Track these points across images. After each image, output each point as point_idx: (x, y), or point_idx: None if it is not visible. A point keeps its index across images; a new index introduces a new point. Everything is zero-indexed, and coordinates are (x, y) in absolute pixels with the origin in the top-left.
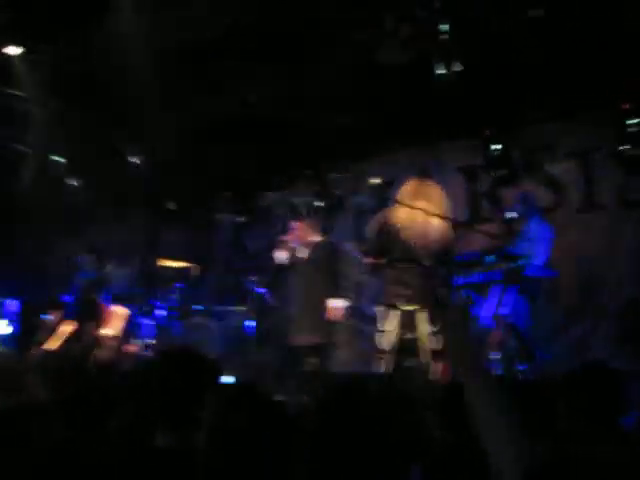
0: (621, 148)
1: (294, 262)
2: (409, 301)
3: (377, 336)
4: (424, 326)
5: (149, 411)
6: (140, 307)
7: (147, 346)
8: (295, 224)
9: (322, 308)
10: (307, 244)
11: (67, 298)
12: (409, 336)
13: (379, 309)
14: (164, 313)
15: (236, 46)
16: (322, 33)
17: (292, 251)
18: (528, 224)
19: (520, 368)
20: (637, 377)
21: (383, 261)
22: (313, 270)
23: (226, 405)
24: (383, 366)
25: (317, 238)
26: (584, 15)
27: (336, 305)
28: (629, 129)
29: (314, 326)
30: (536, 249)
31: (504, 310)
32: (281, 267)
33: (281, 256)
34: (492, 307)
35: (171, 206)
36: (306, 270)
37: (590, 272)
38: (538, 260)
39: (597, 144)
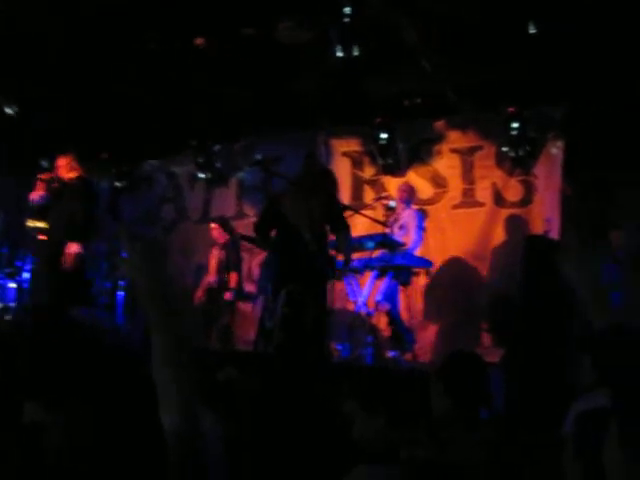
0: (503, 149)
1: None
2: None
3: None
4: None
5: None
6: (4, 269)
7: (7, 310)
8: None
9: None
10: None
11: None
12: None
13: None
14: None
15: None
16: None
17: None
18: (400, 213)
19: (391, 354)
20: (497, 369)
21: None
22: None
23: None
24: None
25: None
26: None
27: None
28: (512, 132)
29: None
30: (415, 237)
31: (379, 296)
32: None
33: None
34: (368, 292)
35: (44, 163)
36: None
37: (463, 266)
38: (411, 248)
39: (480, 143)
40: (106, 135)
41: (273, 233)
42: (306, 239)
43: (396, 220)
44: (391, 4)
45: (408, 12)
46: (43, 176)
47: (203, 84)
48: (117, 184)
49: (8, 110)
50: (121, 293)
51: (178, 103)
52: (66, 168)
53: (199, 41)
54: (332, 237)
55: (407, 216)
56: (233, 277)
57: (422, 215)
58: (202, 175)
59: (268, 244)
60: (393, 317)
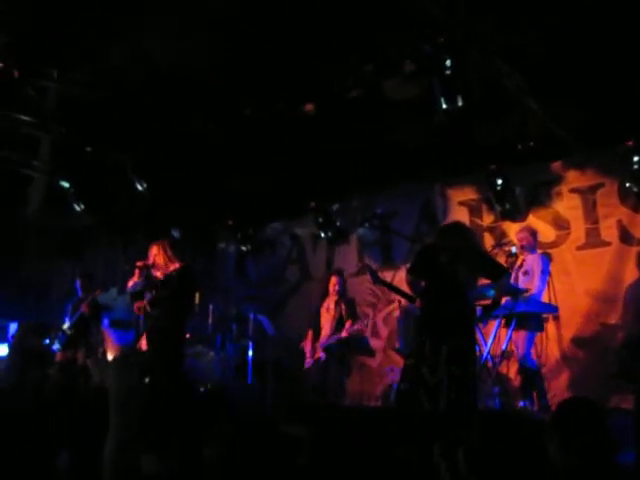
0: (627, 184)
1: None
2: None
3: None
4: None
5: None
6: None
7: None
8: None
9: None
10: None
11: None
12: None
13: None
14: None
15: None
16: (334, 66)
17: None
18: (525, 259)
19: (521, 404)
20: (629, 415)
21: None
22: None
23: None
24: None
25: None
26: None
27: None
28: (633, 166)
29: None
30: (538, 283)
31: (504, 344)
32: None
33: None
34: (492, 341)
35: (175, 233)
36: None
37: (594, 309)
38: (535, 294)
39: (601, 181)
40: (230, 201)
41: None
42: (465, 288)
43: (521, 266)
44: (491, 52)
45: (508, 58)
46: (139, 263)
47: (317, 146)
48: (243, 248)
49: (139, 187)
50: (250, 355)
51: (296, 167)
52: (159, 255)
53: (309, 107)
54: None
55: (531, 261)
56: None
57: (547, 259)
58: (323, 234)
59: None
60: (524, 367)
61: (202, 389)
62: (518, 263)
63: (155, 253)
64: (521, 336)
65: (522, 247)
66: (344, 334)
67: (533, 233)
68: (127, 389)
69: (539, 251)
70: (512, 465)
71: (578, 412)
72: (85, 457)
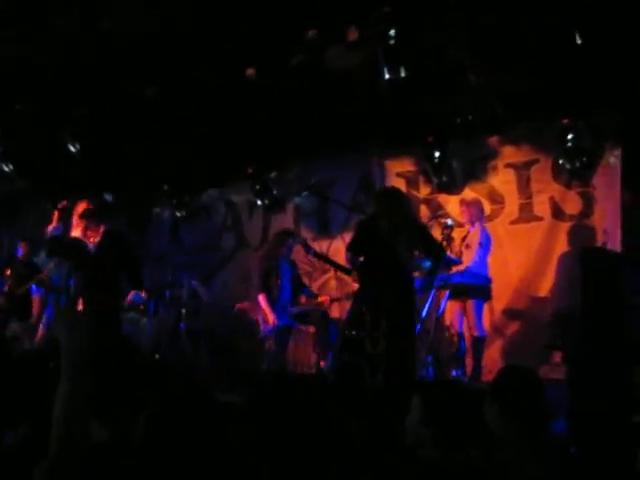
0: (560, 161)
1: None
2: None
3: None
4: None
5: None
6: None
7: None
8: None
9: None
10: None
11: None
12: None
13: None
14: None
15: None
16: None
17: None
18: (468, 231)
19: (454, 373)
20: (562, 385)
21: None
22: None
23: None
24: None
25: None
26: None
27: None
28: (567, 144)
29: None
30: (474, 256)
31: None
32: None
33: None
34: (426, 311)
35: (108, 198)
36: None
37: (525, 282)
38: (475, 267)
39: (536, 157)
40: (166, 167)
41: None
42: (404, 262)
43: (464, 238)
44: (435, 23)
45: (453, 28)
46: (60, 205)
47: (256, 113)
48: (178, 214)
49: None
50: (183, 323)
51: (233, 133)
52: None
53: (250, 72)
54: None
55: (472, 234)
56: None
57: (487, 232)
58: (259, 202)
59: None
60: (458, 336)
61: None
62: (462, 235)
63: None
64: (469, 306)
65: (468, 221)
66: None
67: (479, 207)
68: (77, 339)
69: (483, 224)
70: (451, 433)
71: (517, 380)
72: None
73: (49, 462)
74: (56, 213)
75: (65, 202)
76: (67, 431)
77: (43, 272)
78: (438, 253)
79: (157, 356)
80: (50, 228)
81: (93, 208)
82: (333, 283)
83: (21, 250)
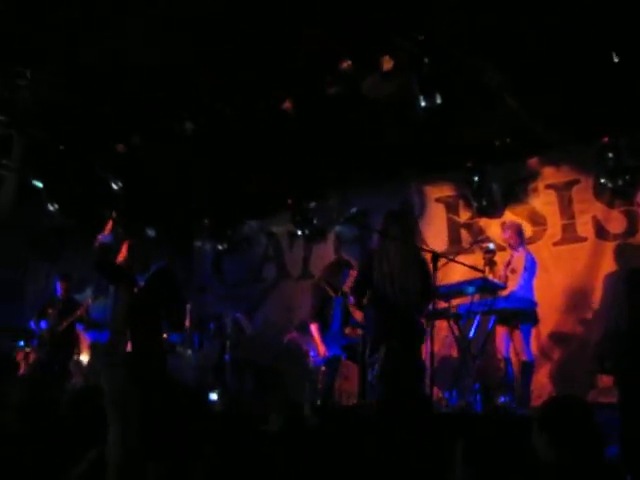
0: (602, 181)
1: None
2: None
3: None
4: None
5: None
6: None
7: None
8: None
9: None
10: None
11: (42, 324)
12: None
13: None
14: None
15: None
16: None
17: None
18: (512, 255)
19: (502, 400)
20: (613, 409)
21: None
22: None
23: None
24: None
25: None
26: None
27: None
28: (608, 162)
29: None
30: (520, 280)
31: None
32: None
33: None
34: (471, 337)
35: (150, 232)
36: None
37: (571, 304)
38: (520, 291)
39: (576, 177)
40: (206, 200)
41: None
42: (402, 293)
43: (509, 263)
44: (470, 48)
45: (488, 54)
46: (114, 215)
47: (294, 144)
48: (219, 247)
49: (114, 186)
50: (227, 355)
51: (272, 165)
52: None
53: (287, 104)
54: None
55: (517, 259)
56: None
57: (532, 256)
58: (300, 232)
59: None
60: (506, 363)
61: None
62: (506, 260)
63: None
64: (516, 331)
65: (509, 245)
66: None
67: (518, 230)
68: (115, 382)
69: (526, 247)
70: (501, 463)
71: (567, 410)
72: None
73: None
74: (110, 222)
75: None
76: (122, 475)
77: (80, 308)
78: (430, 292)
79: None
80: (101, 236)
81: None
82: None
83: (60, 288)
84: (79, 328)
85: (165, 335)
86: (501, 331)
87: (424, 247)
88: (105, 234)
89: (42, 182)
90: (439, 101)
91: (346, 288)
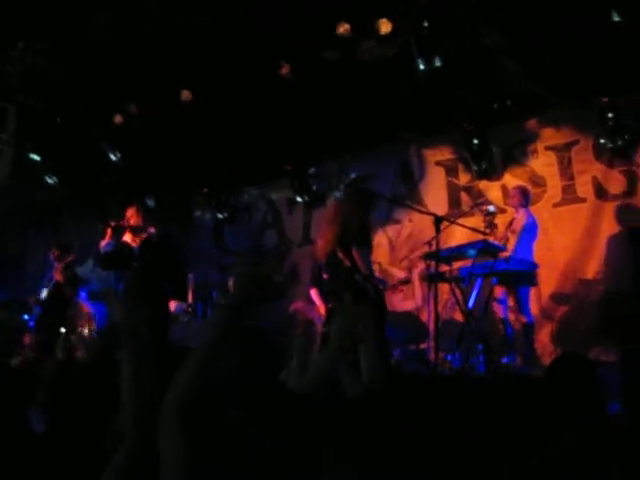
0: (601, 141)
1: None
2: None
3: None
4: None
5: None
6: None
7: None
8: None
9: None
10: None
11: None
12: None
13: None
14: None
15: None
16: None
17: None
18: (514, 217)
19: (504, 361)
20: (613, 368)
21: None
22: None
23: None
24: None
25: None
26: None
27: None
28: (608, 122)
29: None
30: (519, 242)
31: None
32: None
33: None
34: (474, 299)
35: (149, 202)
36: None
37: (571, 265)
38: (520, 253)
39: (576, 137)
40: (204, 169)
41: None
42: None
43: (511, 224)
44: (469, 10)
45: (488, 15)
46: (112, 223)
47: (292, 110)
48: (219, 215)
49: (112, 157)
50: None
51: (270, 131)
52: (135, 217)
53: (284, 70)
54: None
55: (518, 220)
56: None
57: (532, 217)
58: (299, 199)
59: None
60: (505, 324)
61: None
62: (507, 221)
63: (131, 215)
64: (516, 292)
65: (513, 207)
66: None
67: (524, 192)
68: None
69: (528, 209)
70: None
71: (573, 367)
72: None
73: None
74: (109, 230)
75: (117, 222)
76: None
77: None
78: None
79: None
80: (103, 244)
81: (139, 210)
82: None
83: (50, 257)
84: (81, 298)
85: (172, 307)
86: (499, 292)
87: (424, 210)
88: (106, 242)
89: (39, 155)
90: (438, 64)
91: None
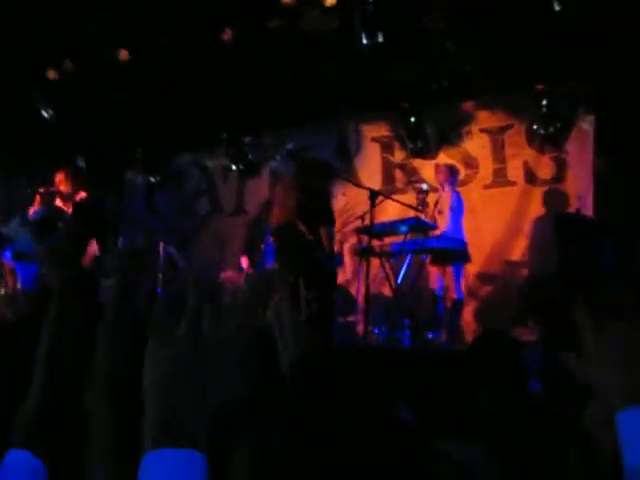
0: (534, 127)
1: None
2: None
3: None
4: None
5: None
6: None
7: None
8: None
9: None
10: None
11: None
12: None
13: None
14: None
15: None
16: None
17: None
18: (440, 195)
19: (430, 336)
20: (536, 347)
21: None
22: None
23: None
24: None
25: None
26: None
27: None
28: (541, 109)
29: None
30: (448, 220)
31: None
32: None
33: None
34: (403, 275)
35: (80, 162)
36: None
37: (498, 246)
38: (451, 231)
39: (510, 122)
40: (139, 131)
41: None
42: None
43: (437, 203)
44: None
45: None
46: (42, 190)
47: (231, 77)
48: (152, 179)
49: (45, 114)
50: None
51: (208, 97)
52: (64, 183)
53: (226, 35)
54: None
55: (443, 199)
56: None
57: (458, 196)
58: (234, 167)
59: None
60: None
61: None
62: (434, 201)
63: (60, 180)
64: (449, 269)
65: (440, 185)
66: None
67: (451, 170)
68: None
69: (455, 188)
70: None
71: (495, 344)
72: None
73: None
74: (38, 197)
75: (46, 188)
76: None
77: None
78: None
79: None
80: (32, 212)
81: (69, 175)
82: None
83: None
84: (6, 257)
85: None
86: (434, 270)
87: (360, 185)
88: (35, 209)
89: None
90: (381, 39)
91: None
